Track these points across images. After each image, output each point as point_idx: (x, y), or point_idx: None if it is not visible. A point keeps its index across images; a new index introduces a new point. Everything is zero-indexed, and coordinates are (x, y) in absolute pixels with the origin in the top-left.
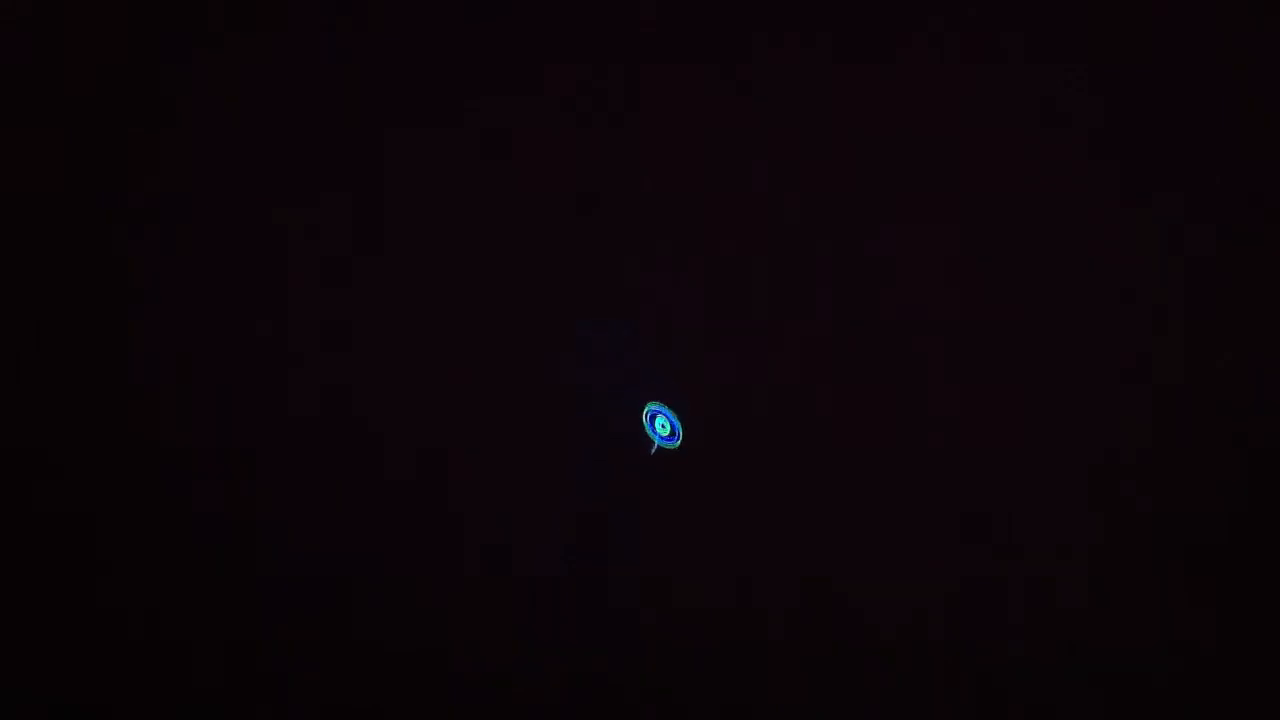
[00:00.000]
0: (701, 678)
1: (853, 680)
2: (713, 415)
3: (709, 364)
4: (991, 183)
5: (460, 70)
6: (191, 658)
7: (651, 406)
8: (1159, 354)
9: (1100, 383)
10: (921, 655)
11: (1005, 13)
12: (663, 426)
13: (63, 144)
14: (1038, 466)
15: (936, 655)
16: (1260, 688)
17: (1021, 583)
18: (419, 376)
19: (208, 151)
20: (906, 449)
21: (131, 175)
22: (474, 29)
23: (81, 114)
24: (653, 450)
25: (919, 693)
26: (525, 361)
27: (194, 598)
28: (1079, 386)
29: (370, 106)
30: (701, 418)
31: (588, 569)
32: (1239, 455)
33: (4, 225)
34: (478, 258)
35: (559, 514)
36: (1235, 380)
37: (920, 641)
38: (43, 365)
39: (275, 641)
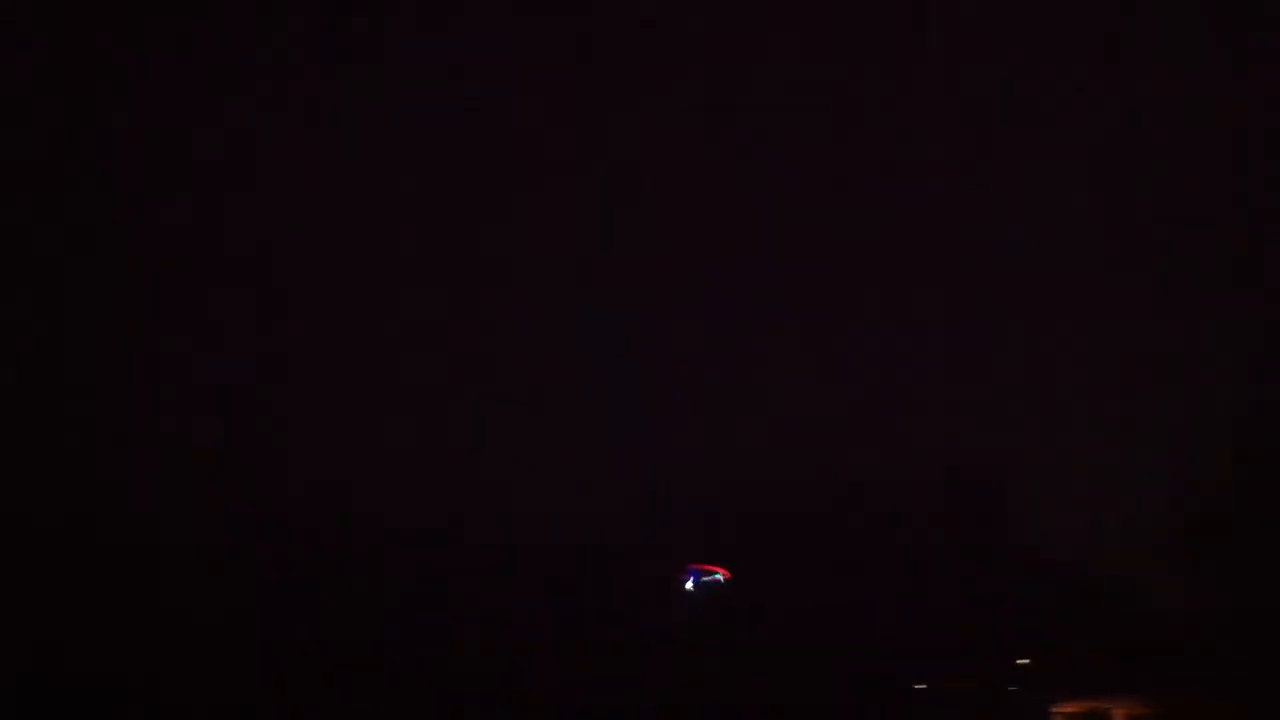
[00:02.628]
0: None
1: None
2: (712, 423)
3: (707, 372)
4: (992, 183)
5: (460, 68)
6: (190, 653)
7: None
8: (1158, 354)
9: (1101, 382)
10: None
11: (1005, 12)
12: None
13: (63, 143)
14: (1038, 466)
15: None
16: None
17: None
18: (419, 376)
19: (208, 151)
20: (909, 452)
21: (130, 175)
22: (474, 28)
23: (81, 114)
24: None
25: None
26: (528, 360)
27: (194, 593)
28: (1079, 385)
29: (369, 105)
30: (700, 424)
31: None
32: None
33: (4, 225)
34: (477, 259)
35: (557, 513)
36: (1234, 380)
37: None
38: (42, 362)
39: (274, 642)
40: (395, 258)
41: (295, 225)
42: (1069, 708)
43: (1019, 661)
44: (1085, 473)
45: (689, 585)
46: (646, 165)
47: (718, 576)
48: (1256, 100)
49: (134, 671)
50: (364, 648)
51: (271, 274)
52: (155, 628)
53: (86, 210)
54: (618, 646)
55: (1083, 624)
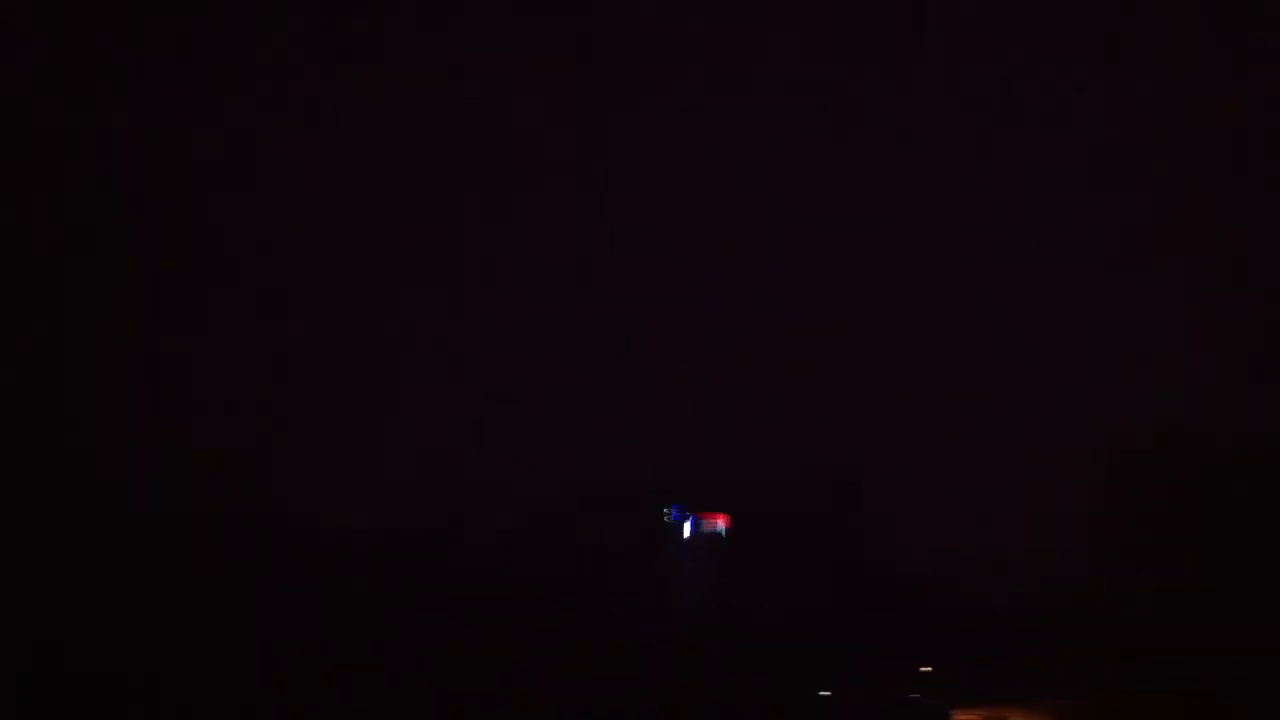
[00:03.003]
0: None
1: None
2: (712, 423)
3: (707, 372)
4: (992, 183)
5: (460, 68)
6: (190, 653)
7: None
8: (1158, 354)
9: (1101, 382)
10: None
11: (1005, 12)
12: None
13: (63, 143)
14: (1038, 464)
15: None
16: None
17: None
18: (419, 376)
19: (208, 151)
20: (909, 451)
21: (130, 175)
22: (474, 28)
23: (81, 114)
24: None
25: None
26: (528, 360)
27: (194, 593)
28: (1078, 387)
29: (369, 105)
30: (701, 421)
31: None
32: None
33: (4, 225)
34: (477, 259)
35: (558, 514)
36: (1234, 380)
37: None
38: (42, 362)
39: (274, 642)
40: (395, 258)
41: (295, 225)
42: (969, 716)
43: (921, 669)
44: (1085, 471)
45: (686, 531)
46: (646, 165)
47: (719, 525)
48: (1256, 100)
49: (134, 671)
50: (364, 648)
51: (271, 274)
52: (155, 628)
53: (86, 210)
54: (617, 646)
55: (998, 630)
